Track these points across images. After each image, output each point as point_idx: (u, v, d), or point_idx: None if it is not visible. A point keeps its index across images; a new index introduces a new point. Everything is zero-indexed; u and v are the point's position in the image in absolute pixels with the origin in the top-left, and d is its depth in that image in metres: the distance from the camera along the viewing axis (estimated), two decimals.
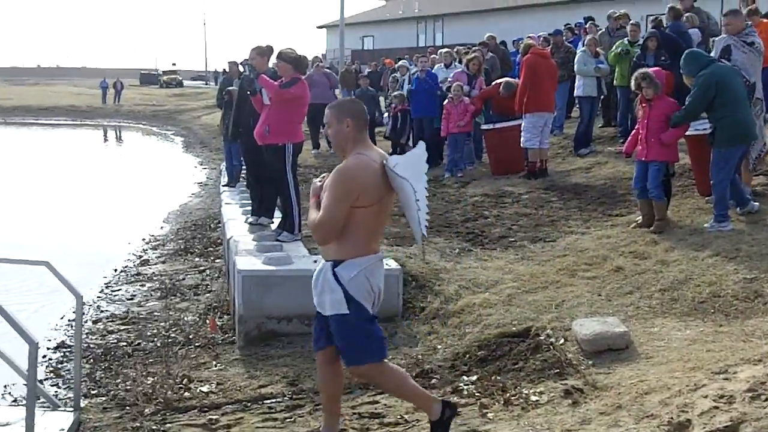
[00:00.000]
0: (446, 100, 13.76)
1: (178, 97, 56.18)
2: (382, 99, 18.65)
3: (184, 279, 9.90)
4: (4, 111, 48.39)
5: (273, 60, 8.62)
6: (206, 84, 74.12)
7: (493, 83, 14.02)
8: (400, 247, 8.62)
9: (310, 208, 4.50)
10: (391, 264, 7.49)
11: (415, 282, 7.77)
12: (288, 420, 5.37)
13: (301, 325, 6.97)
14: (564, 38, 16.23)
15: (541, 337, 6.08)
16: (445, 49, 17.54)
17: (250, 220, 9.15)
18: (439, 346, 6.48)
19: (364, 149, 4.39)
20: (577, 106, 14.93)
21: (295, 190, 8.22)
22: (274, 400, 5.72)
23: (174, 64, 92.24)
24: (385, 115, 16.74)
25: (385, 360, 4.55)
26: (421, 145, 4.60)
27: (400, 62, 19.92)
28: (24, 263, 6.64)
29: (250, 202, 9.74)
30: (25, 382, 5.67)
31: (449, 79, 14.43)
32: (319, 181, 4.52)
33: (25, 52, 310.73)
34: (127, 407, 5.72)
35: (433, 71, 15.62)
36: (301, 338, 6.79)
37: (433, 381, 5.85)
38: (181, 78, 71.14)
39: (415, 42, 51.12)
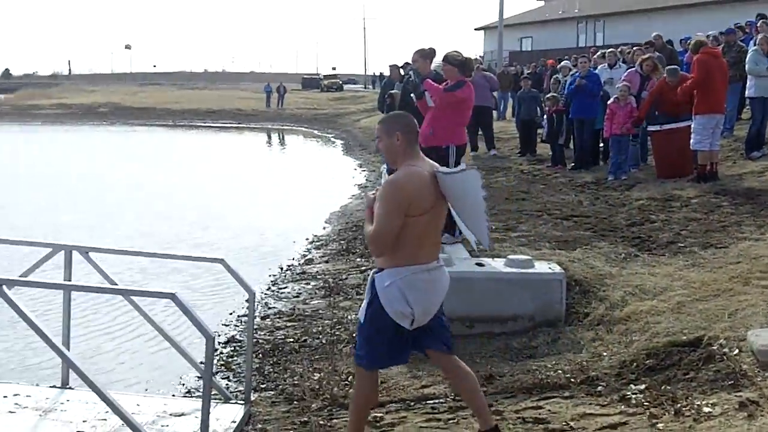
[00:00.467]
0: (610, 100, 13.43)
1: (338, 101, 57.47)
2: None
3: (346, 278, 10.09)
4: (173, 114, 51.04)
5: (435, 62, 8.68)
6: (364, 87, 75.47)
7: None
8: (564, 251, 8.48)
9: (365, 221, 4.57)
10: (554, 268, 7.38)
11: (579, 287, 7.62)
12: (451, 421, 5.39)
13: (462, 327, 6.98)
14: (736, 37, 15.51)
15: (714, 347, 5.83)
16: (610, 49, 17.12)
17: None
18: (604, 353, 6.33)
19: (414, 161, 4.46)
20: (748, 107, 14.23)
21: None
22: (436, 401, 5.75)
23: (334, 69, 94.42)
24: (545, 117, 16.53)
25: (371, 374, 4.61)
26: (476, 170, 4.63)
27: (562, 63, 19.61)
28: (201, 260, 6.99)
29: None
30: (200, 375, 5.99)
31: (622, 79, 14.04)
32: (372, 194, 4.57)
33: (193, 57, 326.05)
34: (295, 402, 5.90)
35: (595, 71, 15.28)
36: (462, 340, 6.79)
37: (599, 388, 5.72)
38: (341, 82, 72.69)
39: (575, 42, 50.12)
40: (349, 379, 6.13)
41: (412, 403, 5.72)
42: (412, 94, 8.72)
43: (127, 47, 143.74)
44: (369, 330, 4.51)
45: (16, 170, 24.55)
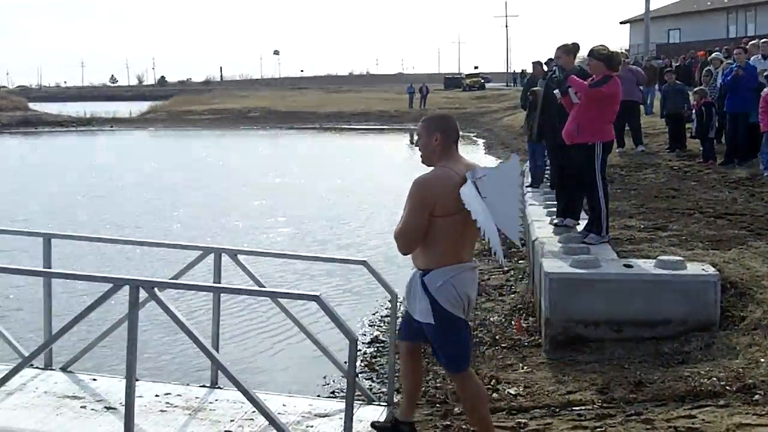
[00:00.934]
0: (765, 92, 12.71)
1: (480, 100, 57.18)
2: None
3: (488, 279, 9.99)
4: (320, 117, 52.13)
5: (580, 58, 8.45)
6: (506, 85, 74.78)
7: None
8: (717, 252, 8.07)
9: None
10: (708, 269, 7.02)
11: (735, 289, 7.22)
12: (598, 429, 5.20)
13: (609, 330, 6.75)
14: None
15: None
16: (763, 40, 16.21)
17: (555, 221, 9.04)
18: (762, 360, 5.96)
19: (449, 162, 4.50)
20: None
21: (604, 190, 7.98)
22: (583, 408, 5.57)
23: (476, 68, 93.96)
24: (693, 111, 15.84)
25: (470, 372, 4.71)
26: (515, 158, 4.72)
27: (713, 54, 18.74)
28: (345, 262, 7.05)
29: (555, 203, 9.62)
30: (344, 376, 6.03)
31: None
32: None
33: (339, 60, 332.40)
34: (437, 405, 5.85)
35: (750, 63, 14.52)
36: (610, 344, 6.58)
37: (756, 397, 5.40)
38: (483, 81, 72.27)
39: (725, 33, 47.89)
40: (492, 383, 6.03)
41: (558, 410, 5.57)
42: (555, 91, 8.52)
43: (276, 52, 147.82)
44: (452, 333, 4.55)
45: (174, 175, 25.66)
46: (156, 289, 4.76)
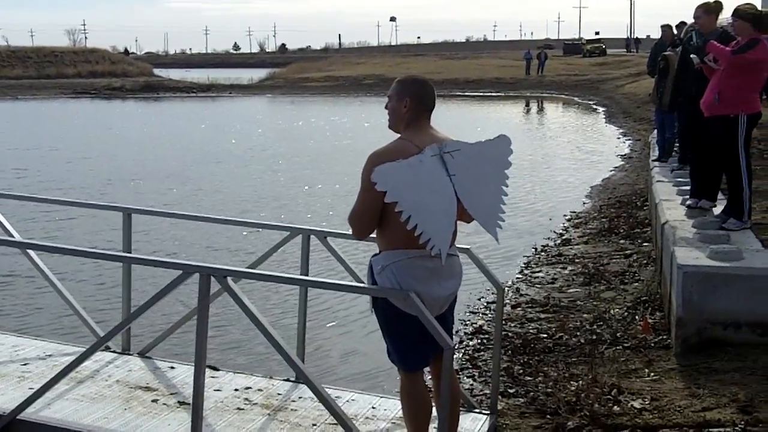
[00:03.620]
0: None
1: (600, 66, 55.14)
2: None
3: (608, 264, 9.09)
4: (434, 84, 50.98)
5: (722, 18, 7.43)
6: (627, 51, 72.06)
7: None
8: None
9: None
10: None
11: None
12: None
13: (752, 334, 5.81)
14: None
15: None
16: None
17: (688, 202, 8.04)
18: None
19: (413, 133, 3.88)
20: None
21: (747, 169, 6.97)
22: (722, 428, 4.71)
23: (597, 33, 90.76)
24: None
25: (414, 376, 3.98)
26: (504, 137, 3.98)
27: None
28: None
29: (688, 181, 8.59)
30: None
31: None
32: None
33: (456, 27, 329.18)
34: (548, 416, 5.09)
35: None
36: (754, 350, 5.65)
37: None
38: (604, 47, 69.73)
39: None
40: (612, 392, 5.23)
41: (690, 430, 4.73)
42: (693, 56, 7.53)
43: (392, 19, 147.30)
44: (388, 325, 3.98)
45: (278, 144, 25.47)
46: (229, 278, 4.20)
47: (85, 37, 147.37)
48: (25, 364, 5.55)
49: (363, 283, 4.64)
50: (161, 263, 4.54)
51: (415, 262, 3.84)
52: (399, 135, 3.97)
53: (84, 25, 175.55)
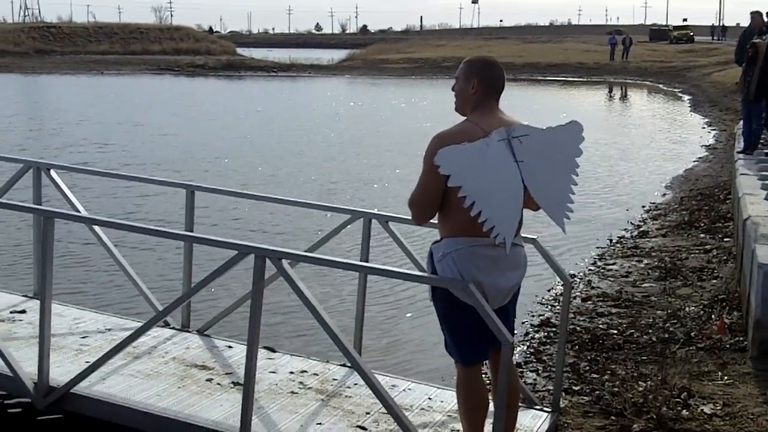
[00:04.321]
0: None
1: (687, 54, 53.57)
2: None
3: (686, 258, 8.73)
4: (514, 68, 50.40)
5: None
6: (711, 39, 70.03)
7: None
8: None
9: None
10: None
11: None
12: None
13: None
14: None
15: None
16: None
17: None
18: None
19: (480, 116, 3.71)
20: None
21: None
22: None
23: (685, 20, 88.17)
24: None
25: (471, 369, 3.82)
26: (576, 123, 3.74)
27: None
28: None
29: None
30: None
31: None
32: None
33: (540, 10, 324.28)
34: (612, 416, 4.86)
35: None
36: None
37: None
38: (692, 33, 67.73)
39: None
40: (682, 395, 4.97)
41: None
42: None
43: (474, 2, 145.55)
44: (447, 316, 3.82)
45: (357, 127, 25.41)
46: (284, 261, 4.10)
47: (171, 15, 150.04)
48: (84, 337, 5.57)
49: (425, 270, 4.49)
50: (218, 243, 4.46)
51: (478, 251, 3.68)
52: (465, 117, 3.80)
53: (170, 2, 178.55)
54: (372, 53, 67.30)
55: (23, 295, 6.37)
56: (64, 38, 65.25)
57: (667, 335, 6.28)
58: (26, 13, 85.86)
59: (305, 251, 5.10)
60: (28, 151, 17.56)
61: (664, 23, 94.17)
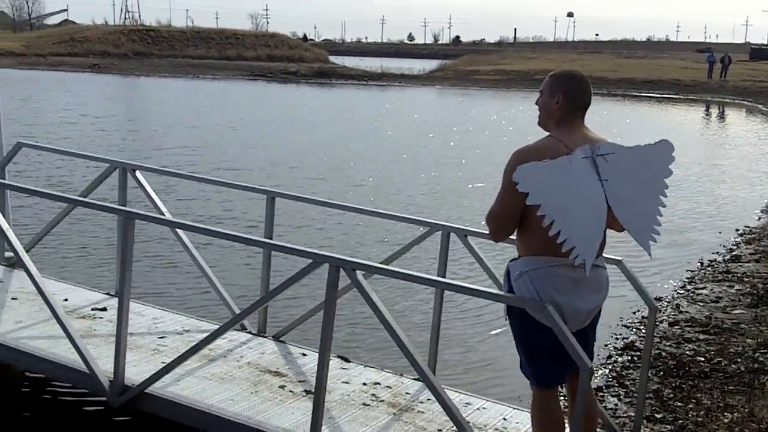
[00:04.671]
0: None
1: None
2: None
3: None
4: (608, 83, 49.54)
5: None
6: None
7: None
8: None
9: None
10: None
11: None
12: None
13: None
14: None
15: None
16: None
17: None
18: None
19: (564, 132, 3.58)
20: None
21: None
22: None
23: None
24: None
25: (547, 392, 3.68)
26: (666, 142, 3.60)
27: None
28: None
29: None
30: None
31: None
32: None
33: (637, 26, 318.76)
34: None
35: None
36: None
37: None
38: None
39: None
40: None
41: None
42: None
43: (570, 15, 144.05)
44: (522, 338, 3.72)
45: (450, 138, 25.31)
46: (358, 272, 4.05)
47: (267, 22, 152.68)
48: (161, 338, 5.63)
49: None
50: (293, 250, 4.43)
51: (557, 271, 3.56)
52: (548, 133, 3.68)
53: (266, 10, 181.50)
54: (463, 64, 67.09)
55: (106, 293, 6.49)
56: (163, 41, 67.18)
57: (756, 365, 6.00)
58: (127, 16, 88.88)
59: (381, 262, 5.05)
60: (123, 152, 18.03)
61: (766, 42, 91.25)
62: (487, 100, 42.80)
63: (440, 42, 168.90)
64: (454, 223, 5.94)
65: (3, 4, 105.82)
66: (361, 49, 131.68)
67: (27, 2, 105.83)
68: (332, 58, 72.30)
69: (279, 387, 4.99)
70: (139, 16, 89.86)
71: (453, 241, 5.28)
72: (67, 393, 5.51)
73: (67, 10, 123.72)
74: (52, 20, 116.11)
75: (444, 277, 5.21)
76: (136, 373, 4.84)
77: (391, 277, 4.41)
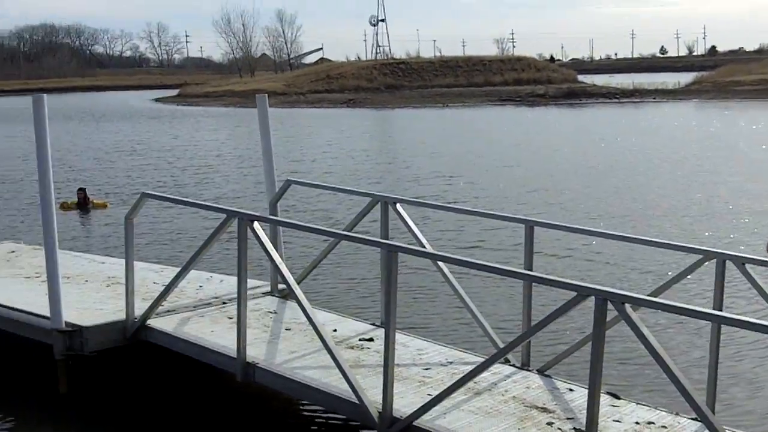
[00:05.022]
0: None
1: None
2: None
3: None
4: None
5: None
6: None
7: None
8: None
9: None
10: None
11: None
12: None
13: None
14: None
15: None
16: None
17: None
18: None
19: None
20: None
21: None
22: None
23: None
24: None
25: None
26: None
27: None
28: None
29: None
30: None
31: None
32: None
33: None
34: None
35: None
36: None
37: None
38: None
39: None
40: None
41: None
42: None
43: None
44: None
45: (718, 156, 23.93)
46: (627, 305, 3.86)
47: (513, 46, 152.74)
48: (426, 369, 5.68)
49: None
50: (556, 282, 4.31)
51: None
52: None
53: (512, 33, 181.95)
54: (722, 75, 63.41)
55: (372, 324, 6.67)
56: (413, 73, 69.25)
57: None
58: (378, 51, 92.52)
59: (650, 294, 4.79)
60: (380, 184, 18.68)
61: None
62: (758, 112, 39.94)
63: (695, 53, 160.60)
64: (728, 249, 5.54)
65: (264, 47, 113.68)
66: (610, 65, 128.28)
67: (286, 43, 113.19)
68: (580, 77, 70.95)
69: (546, 423, 4.86)
70: (390, 49, 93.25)
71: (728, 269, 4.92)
72: (335, 421, 5.70)
73: (322, 48, 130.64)
74: (309, 59, 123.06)
75: (721, 309, 4.85)
76: (403, 404, 4.91)
77: (662, 311, 4.17)
